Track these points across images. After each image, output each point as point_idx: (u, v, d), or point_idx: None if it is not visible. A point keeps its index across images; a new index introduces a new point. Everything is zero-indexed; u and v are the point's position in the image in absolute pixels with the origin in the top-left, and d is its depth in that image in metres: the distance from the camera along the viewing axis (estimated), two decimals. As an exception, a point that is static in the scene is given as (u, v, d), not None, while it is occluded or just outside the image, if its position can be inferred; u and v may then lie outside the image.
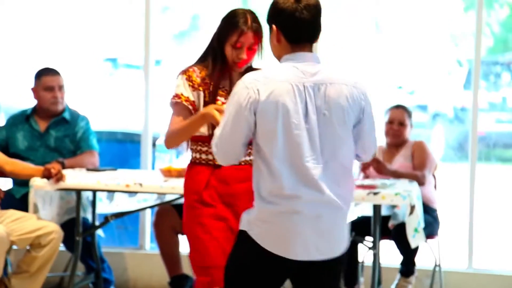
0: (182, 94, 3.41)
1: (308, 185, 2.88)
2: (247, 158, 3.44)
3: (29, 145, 5.10)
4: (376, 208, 4.57)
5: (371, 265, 4.64)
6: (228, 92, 3.43)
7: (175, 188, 4.56)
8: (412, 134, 5.24)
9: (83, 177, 4.70)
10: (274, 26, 2.95)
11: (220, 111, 3.23)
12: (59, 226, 4.66)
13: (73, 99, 5.44)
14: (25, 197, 4.87)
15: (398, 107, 5.22)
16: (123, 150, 5.97)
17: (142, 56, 5.72)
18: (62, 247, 4.81)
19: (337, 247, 2.96)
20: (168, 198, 5.00)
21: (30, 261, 4.56)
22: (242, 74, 3.24)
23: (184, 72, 3.46)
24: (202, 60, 3.49)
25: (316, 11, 2.94)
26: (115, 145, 6.02)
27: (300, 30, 2.92)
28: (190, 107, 3.42)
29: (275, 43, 2.96)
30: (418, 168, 5.04)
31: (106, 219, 4.81)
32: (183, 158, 5.60)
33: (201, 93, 3.44)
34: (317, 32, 2.97)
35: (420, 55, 8.73)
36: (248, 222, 2.94)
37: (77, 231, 4.78)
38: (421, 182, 4.92)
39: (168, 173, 4.75)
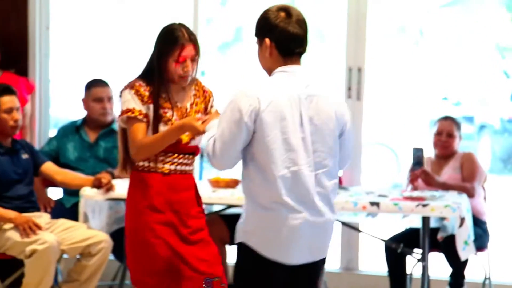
0: (134, 109, 3.53)
1: (303, 192, 3.02)
2: (190, 168, 3.65)
3: (79, 155, 5.17)
4: (425, 220, 4.54)
5: (420, 277, 4.61)
6: (172, 107, 3.57)
7: (222, 199, 4.59)
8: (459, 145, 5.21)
9: (132, 187, 4.73)
10: (267, 40, 3.05)
11: (202, 122, 3.40)
12: (108, 236, 4.70)
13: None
14: (75, 206, 4.93)
15: (447, 118, 5.19)
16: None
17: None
18: (111, 256, 4.84)
19: (326, 248, 3.16)
20: (216, 208, 5.02)
21: (80, 270, 4.60)
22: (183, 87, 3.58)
23: (131, 86, 3.54)
24: (144, 77, 3.58)
25: (305, 25, 3.10)
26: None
27: (293, 44, 3.06)
28: (145, 119, 3.53)
29: (267, 56, 3.07)
30: (468, 180, 5.00)
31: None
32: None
33: (151, 107, 3.54)
34: (306, 45, 3.11)
35: (466, 66, 8.68)
36: (245, 232, 3.05)
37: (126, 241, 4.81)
38: (470, 194, 4.88)
39: (216, 183, 4.79)
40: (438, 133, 5.16)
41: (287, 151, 3.00)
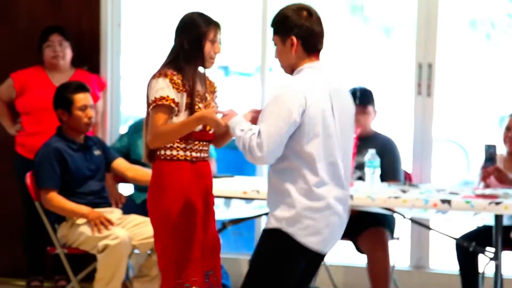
0: (168, 96, 3.53)
1: (338, 182, 3.28)
2: (205, 155, 3.69)
3: None
4: (498, 218, 4.46)
5: (493, 276, 4.53)
6: (202, 96, 3.64)
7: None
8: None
9: (201, 183, 4.76)
10: (294, 38, 3.24)
11: (223, 116, 3.43)
12: (178, 231, 4.74)
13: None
14: (145, 202, 4.95)
15: (517, 114, 5.08)
16: (239, 157, 6.01)
17: (256, 63, 5.75)
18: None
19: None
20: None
21: (151, 266, 4.65)
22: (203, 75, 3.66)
23: (165, 75, 3.56)
24: (172, 65, 3.59)
25: (322, 23, 3.31)
26: (231, 152, 6.07)
27: (317, 41, 3.28)
28: (176, 108, 3.56)
29: (291, 53, 3.26)
30: (542, 177, 4.89)
31: (223, 225, 4.86)
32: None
33: (184, 95, 3.57)
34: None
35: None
36: (285, 220, 3.20)
37: (196, 237, 4.84)
38: (545, 192, 4.77)
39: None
40: (508, 129, 5.06)
41: (328, 144, 3.23)
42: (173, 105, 3.54)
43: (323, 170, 3.23)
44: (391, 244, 4.96)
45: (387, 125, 5.52)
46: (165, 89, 3.53)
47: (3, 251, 5.76)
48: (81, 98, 4.72)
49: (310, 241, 3.22)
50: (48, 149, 4.68)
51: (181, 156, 3.63)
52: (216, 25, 3.62)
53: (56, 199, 4.61)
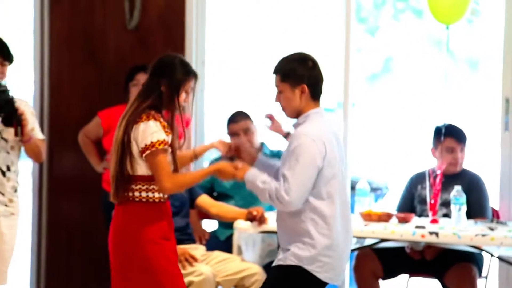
0: (164, 140, 3.51)
1: (346, 220, 3.60)
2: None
3: (234, 182, 5.24)
4: None
5: None
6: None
7: (375, 232, 4.53)
8: None
9: (284, 220, 4.76)
10: (305, 86, 3.51)
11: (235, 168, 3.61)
12: (262, 268, 4.73)
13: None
14: (229, 239, 5.00)
15: None
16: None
17: (336, 99, 5.74)
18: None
19: None
20: (367, 242, 4.97)
21: (234, 302, 4.65)
22: None
23: (154, 118, 3.51)
24: (153, 107, 3.54)
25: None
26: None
27: (321, 88, 3.58)
28: (170, 150, 3.57)
29: (299, 100, 3.53)
30: None
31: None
32: (382, 202, 5.56)
33: (170, 138, 3.56)
34: None
35: None
36: (304, 258, 3.46)
37: (279, 274, 4.83)
38: None
39: (368, 217, 4.74)
40: None
41: (341, 183, 3.55)
42: (169, 149, 3.55)
43: (338, 208, 3.53)
44: (479, 282, 4.85)
45: (473, 162, 5.42)
46: (159, 132, 3.50)
47: (92, 282, 5.86)
48: None
49: (326, 276, 3.52)
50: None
51: (157, 198, 3.57)
52: (195, 76, 3.63)
53: None
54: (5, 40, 4.43)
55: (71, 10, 5.91)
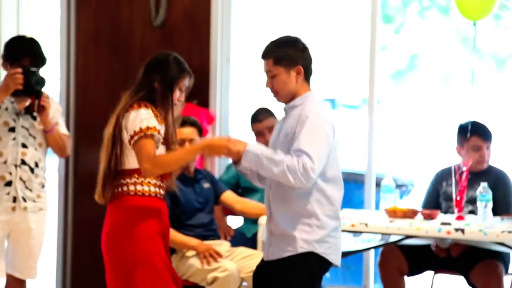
0: (154, 127, 3.43)
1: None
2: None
3: None
4: None
5: None
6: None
7: (400, 229, 4.51)
8: None
9: (309, 216, 4.76)
10: (300, 67, 3.49)
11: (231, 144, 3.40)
12: (286, 265, 4.74)
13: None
14: (256, 236, 5.00)
15: None
16: (346, 189, 5.99)
17: (361, 96, 5.73)
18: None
19: None
20: (392, 238, 4.95)
21: (259, 298, 4.65)
22: None
23: (145, 105, 3.45)
24: (147, 99, 3.49)
25: None
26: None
27: (312, 70, 3.56)
28: (161, 140, 3.49)
29: (294, 82, 3.50)
30: None
31: (331, 258, 4.82)
32: (408, 198, 5.55)
33: (163, 128, 3.51)
34: None
35: None
36: (314, 241, 3.43)
37: (304, 270, 4.83)
38: None
39: (393, 213, 4.72)
40: None
41: (339, 165, 3.54)
42: (159, 136, 3.47)
43: (341, 190, 3.54)
44: (505, 279, 4.82)
45: (499, 159, 5.38)
46: (150, 119, 3.43)
47: (102, 278, 5.88)
48: (181, 133, 4.70)
49: (333, 258, 3.50)
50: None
51: (153, 192, 3.50)
52: (189, 75, 3.59)
53: (173, 235, 4.67)
54: (39, 41, 4.43)
55: (97, 8, 5.95)
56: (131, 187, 3.46)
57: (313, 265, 3.45)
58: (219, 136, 3.59)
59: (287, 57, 3.50)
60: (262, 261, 3.66)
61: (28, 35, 4.46)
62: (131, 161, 3.46)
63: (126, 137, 3.44)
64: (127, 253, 3.44)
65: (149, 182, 3.48)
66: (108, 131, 3.49)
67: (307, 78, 3.54)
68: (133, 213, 3.45)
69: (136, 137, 3.40)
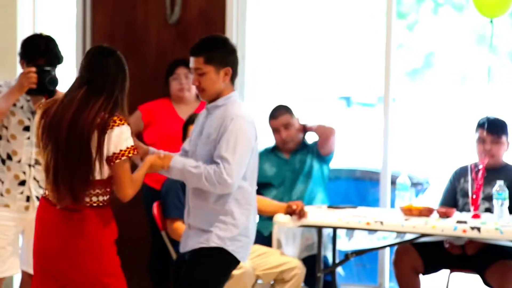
0: (133, 146, 3.43)
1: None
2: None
3: (277, 171, 5.30)
4: None
5: None
6: None
7: (416, 227, 4.50)
8: None
9: (324, 214, 4.76)
10: (229, 68, 3.60)
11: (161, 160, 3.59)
12: (301, 262, 4.73)
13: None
14: (272, 234, 5.00)
15: None
16: (362, 187, 5.99)
17: (376, 94, 5.73)
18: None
19: None
20: (408, 237, 4.94)
21: (273, 296, 4.66)
22: None
23: (126, 121, 3.43)
24: (116, 108, 3.45)
25: None
26: (353, 183, 6.05)
27: (237, 72, 3.66)
28: None
29: (222, 82, 3.60)
30: None
31: (346, 256, 4.82)
32: (423, 197, 5.53)
33: None
34: None
35: None
36: (226, 239, 3.57)
37: (318, 268, 4.82)
38: None
39: (409, 211, 4.71)
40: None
41: (255, 169, 3.72)
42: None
43: (255, 186, 3.68)
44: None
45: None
46: (130, 138, 3.44)
47: (132, 280, 5.89)
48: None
49: (242, 256, 3.65)
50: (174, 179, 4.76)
51: (106, 201, 3.49)
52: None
53: (182, 229, 4.68)
54: (56, 40, 4.44)
55: (113, 6, 5.95)
56: (94, 198, 3.43)
57: (221, 260, 3.61)
58: (155, 154, 3.63)
59: (218, 57, 3.60)
60: (180, 254, 3.79)
61: (45, 33, 4.46)
62: (103, 173, 3.41)
63: (105, 152, 3.38)
64: (93, 262, 3.43)
65: (107, 191, 3.46)
66: (78, 138, 3.36)
67: (232, 80, 3.65)
68: (96, 224, 3.44)
69: (123, 158, 3.39)
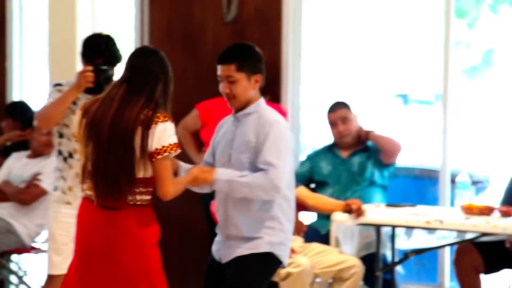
0: (176, 143, 3.36)
1: None
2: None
3: (332, 169, 5.26)
4: None
5: None
6: None
7: (477, 226, 4.44)
8: None
9: (383, 212, 4.72)
10: (261, 75, 3.60)
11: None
12: (360, 261, 4.70)
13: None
14: (329, 232, 4.98)
15: None
16: (420, 186, 5.93)
17: (434, 91, 5.66)
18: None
19: None
20: (468, 236, 4.87)
21: (332, 294, 4.64)
22: None
23: (171, 119, 3.37)
24: (159, 107, 3.39)
25: None
26: (412, 181, 6.00)
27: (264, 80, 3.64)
28: None
29: (252, 90, 3.58)
30: None
31: (405, 255, 4.77)
32: (483, 195, 5.45)
33: None
34: None
35: None
36: (275, 244, 3.53)
37: (377, 267, 4.78)
38: None
39: (469, 210, 4.64)
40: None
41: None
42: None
43: (294, 192, 3.63)
44: None
45: None
46: (174, 135, 3.37)
47: (191, 276, 5.93)
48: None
49: (286, 261, 3.63)
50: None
51: (148, 201, 3.43)
52: None
53: None
54: (115, 39, 4.48)
55: (170, 5, 5.99)
56: (138, 196, 3.39)
57: (269, 265, 3.57)
58: (198, 168, 3.57)
59: (250, 64, 3.57)
60: (214, 263, 3.68)
61: (105, 32, 4.51)
62: (148, 171, 3.37)
63: (148, 148, 3.33)
64: (136, 264, 3.38)
65: (149, 191, 3.41)
66: (121, 136, 3.33)
67: (261, 87, 3.63)
68: (138, 223, 3.40)
69: (165, 154, 3.33)
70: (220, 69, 3.61)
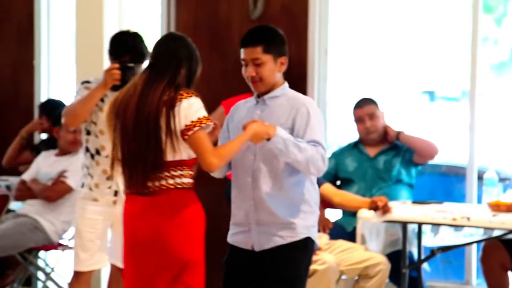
0: (208, 116, 3.35)
1: None
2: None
3: (358, 166, 5.25)
4: None
5: None
6: None
7: (504, 223, 4.42)
8: None
9: (409, 210, 4.70)
10: (286, 57, 3.52)
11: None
12: (386, 258, 4.69)
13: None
14: (355, 229, 4.97)
15: None
16: (447, 183, 5.90)
17: (461, 88, 5.63)
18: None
19: None
20: (496, 233, 4.84)
21: (357, 291, 4.63)
22: None
23: (195, 94, 3.37)
24: (188, 86, 3.42)
25: None
26: (438, 178, 5.97)
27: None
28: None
29: (277, 73, 3.51)
30: None
31: (432, 252, 4.76)
32: (511, 192, 5.39)
33: None
34: None
35: None
36: (310, 227, 3.48)
37: (404, 264, 4.77)
38: None
39: (497, 207, 4.62)
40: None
41: None
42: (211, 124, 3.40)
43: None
44: None
45: None
46: (202, 109, 3.37)
47: (215, 274, 5.94)
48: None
49: (317, 242, 3.57)
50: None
51: (191, 184, 3.42)
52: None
53: None
54: (142, 36, 4.49)
55: (196, 2, 6.01)
56: (178, 180, 3.37)
57: (309, 249, 3.51)
58: (255, 122, 3.40)
59: (276, 46, 3.50)
60: (241, 253, 3.58)
61: (133, 29, 4.53)
62: (181, 153, 3.35)
63: (177, 127, 3.31)
64: (193, 250, 3.40)
65: (187, 173, 3.40)
66: (146, 120, 3.31)
67: (283, 70, 3.56)
68: (187, 207, 3.40)
69: (195, 128, 3.30)
70: (244, 52, 3.49)
